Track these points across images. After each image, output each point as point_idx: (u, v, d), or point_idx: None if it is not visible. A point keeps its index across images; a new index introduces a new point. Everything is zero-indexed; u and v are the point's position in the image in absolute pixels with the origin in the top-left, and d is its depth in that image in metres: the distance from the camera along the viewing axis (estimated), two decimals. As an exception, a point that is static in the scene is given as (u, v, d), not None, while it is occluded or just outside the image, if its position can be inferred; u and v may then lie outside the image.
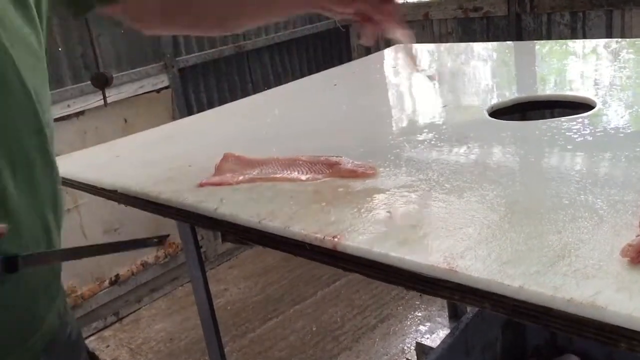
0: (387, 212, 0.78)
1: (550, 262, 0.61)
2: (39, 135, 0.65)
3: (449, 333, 1.48)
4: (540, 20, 2.93)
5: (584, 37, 2.79)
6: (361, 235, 0.73)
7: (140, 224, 2.57)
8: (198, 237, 1.42)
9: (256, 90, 3.10)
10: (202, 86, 2.94)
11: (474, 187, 0.82)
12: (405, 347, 2.21)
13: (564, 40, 2.01)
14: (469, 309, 1.66)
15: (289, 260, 2.78)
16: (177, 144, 1.28)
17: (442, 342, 1.46)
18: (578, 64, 1.51)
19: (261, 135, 1.26)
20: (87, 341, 1.09)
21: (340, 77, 1.76)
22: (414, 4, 3.31)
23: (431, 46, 2.16)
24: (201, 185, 0.96)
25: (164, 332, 2.54)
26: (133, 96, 2.63)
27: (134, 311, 2.72)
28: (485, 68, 1.67)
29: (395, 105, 1.46)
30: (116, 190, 1.04)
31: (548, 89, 1.36)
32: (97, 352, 1.21)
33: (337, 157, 0.98)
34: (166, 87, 2.76)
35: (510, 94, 1.32)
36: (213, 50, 2.92)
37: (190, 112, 2.85)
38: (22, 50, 0.63)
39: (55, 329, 0.72)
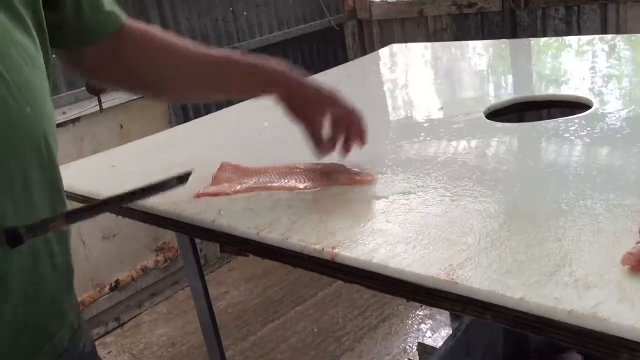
0: (387, 221, 0.78)
1: (550, 271, 0.60)
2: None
3: (451, 334, 1.48)
4: (535, 15, 2.93)
5: (579, 31, 2.79)
6: (360, 245, 0.73)
7: (139, 229, 2.56)
8: (197, 239, 1.41)
9: (252, 91, 3.09)
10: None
11: (472, 194, 0.82)
12: (407, 347, 2.21)
13: (559, 37, 2.01)
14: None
15: (288, 262, 2.78)
16: (174, 152, 1.27)
17: (444, 343, 1.46)
18: (574, 62, 1.51)
19: (258, 142, 1.25)
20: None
21: (335, 80, 1.75)
22: (408, 1, 3.30)
23: (427, 45, 2.16)
24: (198, 196, 0.96)
25: (166, 337, 2.53)
26: (128, 101, 2.62)
27: (135, 316, 2.71)
28: (481, 68, 1.66)
29: (391, 109, 1.45)
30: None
31: (544, 89, 1.35)
32: None
33: (334, 163, 0.98)
34: (162, 91, 2.75)
35: (507, 95, 1.31)
36: (207, 53, 2.91)
37: (186, 116, 2.84)
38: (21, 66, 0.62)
39: (67, 345, 0.71)
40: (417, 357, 2.00)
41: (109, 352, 2.49)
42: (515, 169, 0.91)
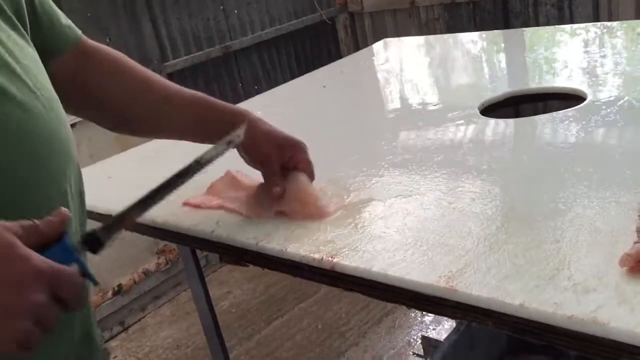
0: (385, 226, 0.78)
1: (549, 275, 0.61)
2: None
3: (454, 328, 1.48)
4: (527, 1, 2.91)
5: (571, 16, 2.78)
6: (359, 253, 0.73)
7: (139, 233, 2.56)
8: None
9: (246, 89, 3.08)
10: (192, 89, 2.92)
11: (469, 195, 0.82)
12: (412, 340, 2.22)
13: (551, 27, 2.00)
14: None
15: (290, 259, 2.78)
16: (170, 159, 1.26)
17: (448, 337, 1.47)
18: (567, 52, 1.50)
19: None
20: None
21: (328, 77, 1.75)
22: (399, -8, 3.29)
23: (419, 39, 2.15)
24: (183, 204, 0.96)
25: (171, 339, 2.54)
26: (123, 105, 2.61)
27: (139, 320, 2.72)
28: (475, 62, 1.66)
29: (385, 107, 1.45)
30: (111, 215, 1.03)
31: (539, 81, 1.35)
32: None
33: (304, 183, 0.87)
34: (156, 94, 2.74)
35: (502, 88, 1.31)
36: (200, 52, 2.90)
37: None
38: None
39: None
40: (422, 350, 2.01)
41: (115, 357, 2.50)
42: (512, 167, 0.91)
